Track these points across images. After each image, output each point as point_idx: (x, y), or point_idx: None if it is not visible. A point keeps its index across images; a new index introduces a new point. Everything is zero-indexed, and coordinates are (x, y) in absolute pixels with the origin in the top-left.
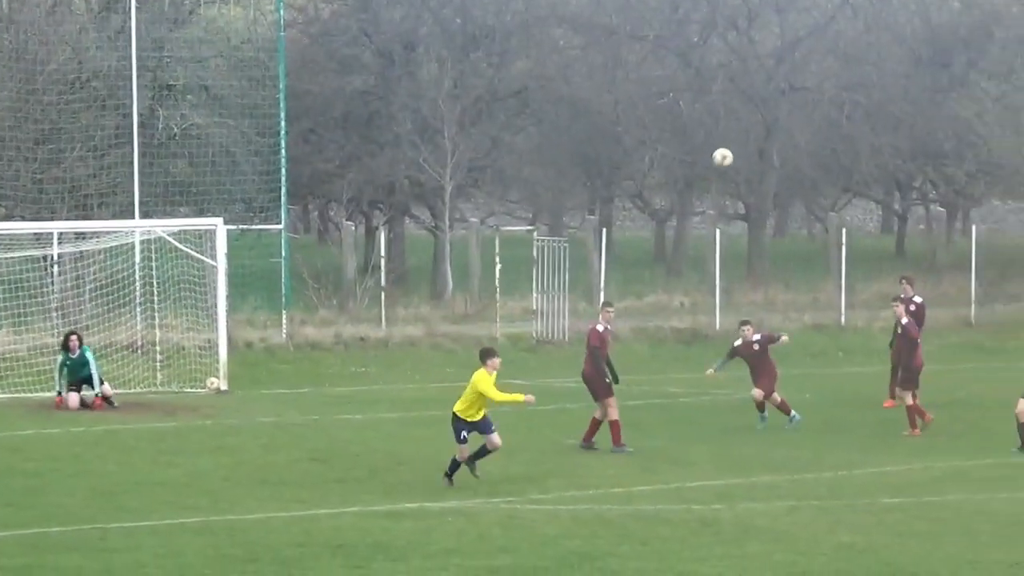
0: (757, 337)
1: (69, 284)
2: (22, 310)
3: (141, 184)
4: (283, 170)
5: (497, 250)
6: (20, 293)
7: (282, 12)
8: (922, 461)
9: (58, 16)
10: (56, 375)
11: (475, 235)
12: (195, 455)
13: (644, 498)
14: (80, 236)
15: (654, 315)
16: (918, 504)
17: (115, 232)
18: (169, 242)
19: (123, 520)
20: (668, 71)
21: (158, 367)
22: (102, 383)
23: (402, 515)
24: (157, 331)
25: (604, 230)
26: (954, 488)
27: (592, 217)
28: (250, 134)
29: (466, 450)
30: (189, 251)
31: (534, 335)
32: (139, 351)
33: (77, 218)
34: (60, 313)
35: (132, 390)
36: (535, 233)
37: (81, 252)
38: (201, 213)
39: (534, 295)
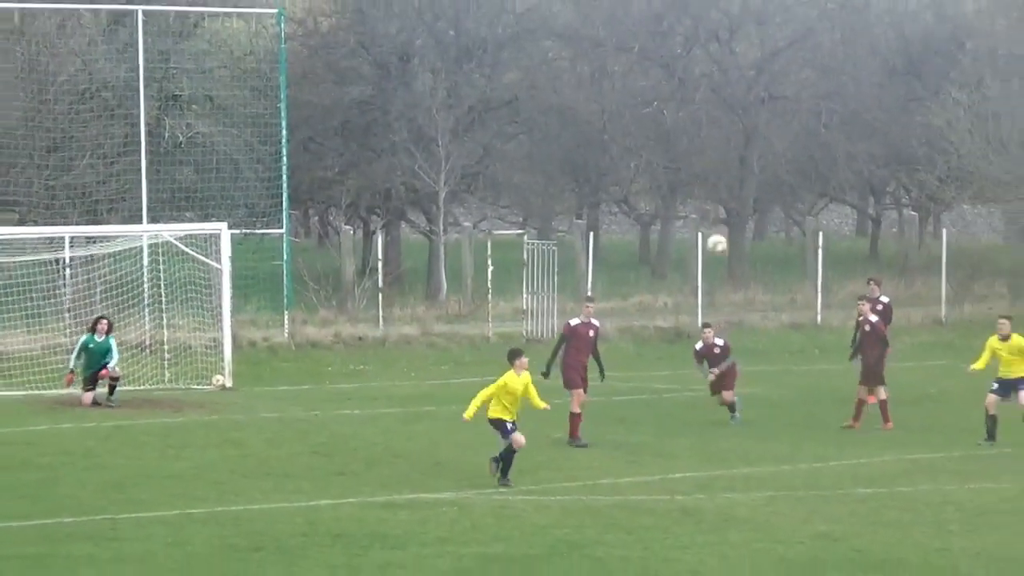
0: (720, 342)
1: (80, 286)
2: (36, 311)
3: (149, 190)
4: (284, 177)
5: (489, 253)
6: (34, 295)
7: (283, 26)
8: (894, 453)
9: (68, 30)
10: (74, 354)
11: (468, 239)
12: (202, 449)
13: (630, 489)
14: (90, 240)
15: (639, 315)
16: (890, 494)
17: (124, 236)
18: (176, 246)
19: (133, 511)
20: (652, 81)
21: (166, 365)
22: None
23: (399, 506)
24: (165, 331)
25: (591, 234)
26: (924, 479)
27: (580, 221)
28: (253, 142)
29: (520, 437)
30: (195, 254)
31: (524, 334)
32: (148, 350)
33: (87, 223)
34: (72, 314)
35: (141, 387)
36: (525, 237)
37: (91, 256)
38: (206, 218)
39: (524, 296)
